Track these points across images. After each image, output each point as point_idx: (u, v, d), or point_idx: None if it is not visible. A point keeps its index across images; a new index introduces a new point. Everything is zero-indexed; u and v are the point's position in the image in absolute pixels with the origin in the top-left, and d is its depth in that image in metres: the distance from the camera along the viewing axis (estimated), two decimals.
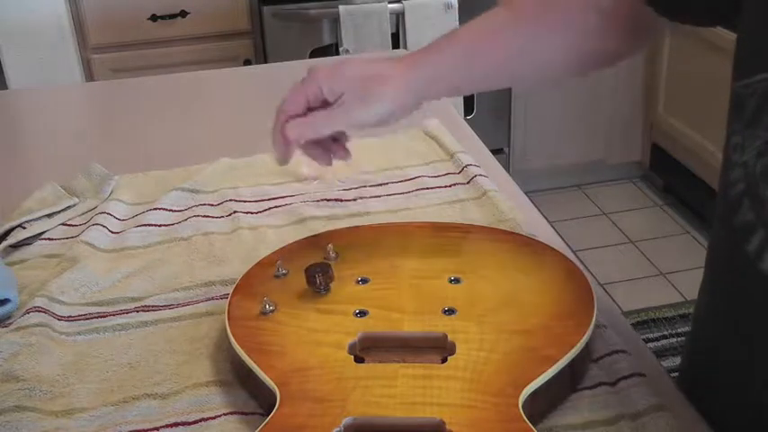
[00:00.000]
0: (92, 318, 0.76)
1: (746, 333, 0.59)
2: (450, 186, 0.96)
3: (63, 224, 0.92)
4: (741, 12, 0.59)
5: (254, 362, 0.63)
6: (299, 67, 1.54)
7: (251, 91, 1.33)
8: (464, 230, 0.83)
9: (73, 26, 2.23)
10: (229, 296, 0.72)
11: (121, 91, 1.40)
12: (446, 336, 0.65)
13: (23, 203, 0.95)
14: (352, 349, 0.64)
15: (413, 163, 1.02)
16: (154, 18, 2.26)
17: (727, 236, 0.59)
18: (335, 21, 2.26)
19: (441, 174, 0.99)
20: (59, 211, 0.94)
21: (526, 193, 0.98)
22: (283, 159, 0.74)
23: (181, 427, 0.63)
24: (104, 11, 2.23)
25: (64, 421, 0.63)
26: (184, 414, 0.64)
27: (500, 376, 0.60)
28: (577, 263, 0.74)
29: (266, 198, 0.95)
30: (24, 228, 0.90)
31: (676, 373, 0.72)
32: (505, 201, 0.91)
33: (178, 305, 0.77)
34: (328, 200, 0.94)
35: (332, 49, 2.31)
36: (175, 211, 0.93)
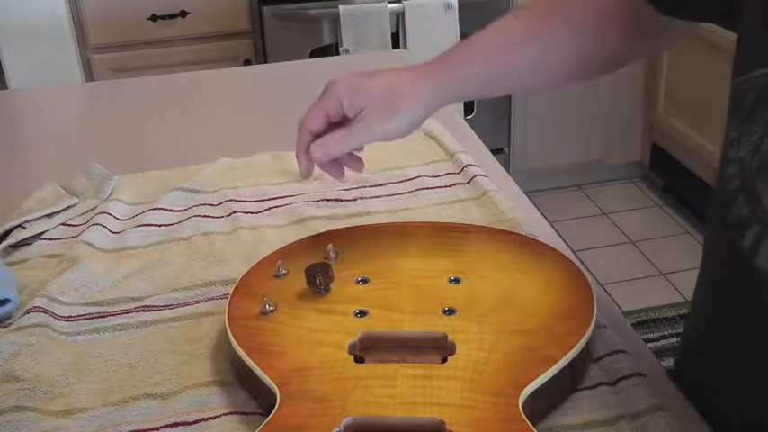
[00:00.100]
0: (92, 318, 0.76)
1: (741, 328, 0.59)
2: (450, 186, 0.96)
3: (63, 224, 0.92)
4: (741, 10, 0.59)
5: (254, 362, 0.63)
6: (299, 67, 1.54)
7: (251, 91, 1.33)
8: (464, 230, 0.83)
9: (73, 26, 2.23)
10: (229, 296, 0.72)
11: (121, 91, 1.40)
12: (446, 336, 0.65)
13: (23, 203, 0.95)
14: (352, 349, 0.64)
15: (413, 163, 1.02)
16: (154, 18, 2.26)
17: (722, 231, 0.59)
18: (335, 21, 2.26)
19: (441, 174, 0.99)
20: (59, 211, 0.94)
21: (526, 193, 0.98)
22: (308, 174, 0.76)
23: (181, 427, 0.63)
24: (104, 11, 2.23)
25: (64, 421, 0.63)
26: (184, 414, 0.64)
27: (500, 376, 0.60)
28: (577, 263, 0.74)
29: (266, 198, 0.96)
30: (24, 228, 0.90)
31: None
32: (505, 201, 0.91)
33: (178, 305, 0.77)
34: (328, 200, 0.94)
35: (332, 49, 2.31)
36: (175, 211, 0.93)
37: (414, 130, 0.76)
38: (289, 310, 0.69)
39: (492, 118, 2.55)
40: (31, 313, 0.74)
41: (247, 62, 2.34)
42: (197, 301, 0.77)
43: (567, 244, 0.90)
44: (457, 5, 2.27)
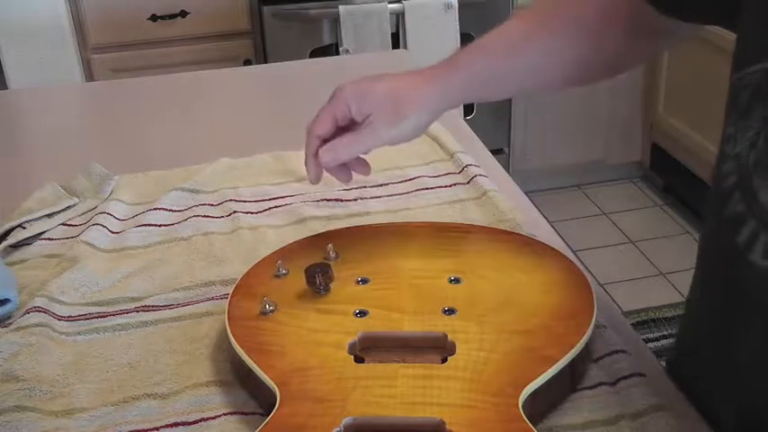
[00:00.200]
0: (92, 318, 0.76)
1: (736, 324, 0.59)
2: (450, 186, 0.96)
3: (63, 224, 0.92)
4: (742, 10, 0.59)
5: (254, 362, 0.63)
6: (299, 67, 1.54)
7: (251, 91, 1.33)
8: (464, 230, 0.83)
9: (73, 26, 2.23)
10: (229, 296, 0.72)
11: (121, 91, 1.40)
12: (446, 336, 0.65)
13: (23, 203, 0.95)
14: (352, 349, 0.64)
15: (413, 163, 1.02)
16: (154, 18, 2.26)
17: (718, 227, 0.59)
18: (335, 21, 2.26)
19: (441, 174, 0.99)
20: (59, 211, 0.94)
21: (526, 193, 0.98)
22: (317, 179, 0.77)
23: (181, 427, 0.63)
24: (104, 11, 2.23)
25: (64, 421, 0.63)
26: (184, 414, 0.64)
27: (500, 376, 0.60)
28: (577, 263, 0.74)
29: (266, 198, 0.96)
30: (24, 228, 0.90)
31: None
32: (505, 201, 0.91)
33: (178, 305, 0.77)
34: (328, 200, 0.94)
35: (332, 49, 2.31)
36: (175, 211, 0.93)
37: (420, 134, 0.77)
38: (289, 310, 0.69)
39: (492, 118, 2.55)
40: (31, 313, 0.74)
41: (247, 62, 2.34)
42: (197, 301, 0.77)
43: (567, 244, 0.90)
44: (457, 5, 2.27)
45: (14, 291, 0.77)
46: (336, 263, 0.75)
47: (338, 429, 0.56)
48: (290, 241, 0.81)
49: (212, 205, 0.95)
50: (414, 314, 0.68)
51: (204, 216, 0.92)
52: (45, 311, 0.75)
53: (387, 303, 0.69)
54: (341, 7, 2.23)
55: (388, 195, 0.95)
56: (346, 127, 0.75)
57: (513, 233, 0.82)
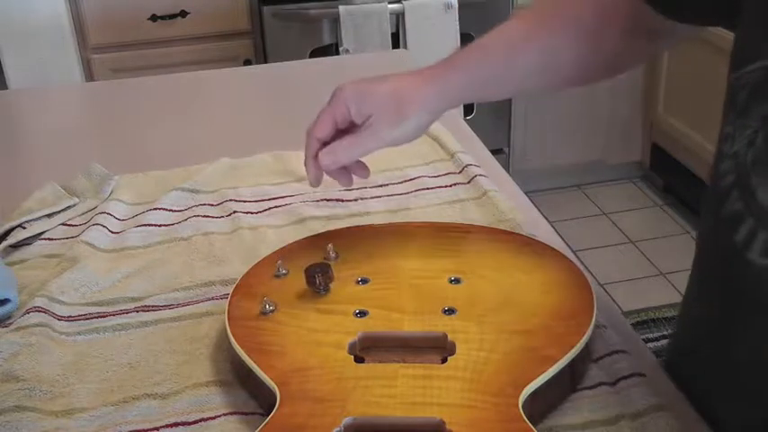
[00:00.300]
0: (92, 318, 0.76)
1: (734, 323, 0.59)
2: (450, 186, 0.96)
3: (63, 224, 0.92)
4: (741, 10, 0.59)
5: (254, 362, 0.63)
6: (299, 67, 1.54)
7: (251, 91, 1.33)
8: (464, 230, 0.83)
9: (73, 26, 2.23)
10: (229, 296, 0.72)
11: (121, 91, 1.40)
12: (446, 336, 0.65)
13: (23, 203, 0.95)
14: (352, 349, 0.64)
15: (413, 163, 1.02)
16: (154, 18, 2.26)
17: (716, 226, 0.59)
18: (335, 21, 2.26)
19: (441, 174, 0.99)
20: (59, 211, 0.94)
21: (526, 193, 0.98)
22: (317, 182, 0.77)
23: (181, 427, 0.63)
24: (104, 11, 2.23)
25: (64, 421, 0.63)
26: (184, 414, 0.64)
27: (500, 376, 0.60)
28: (577, 263, 0.74)
29: (266, 198, 0.96)
30: (24, 228, 0.90)
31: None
32: (505, 201, 0.91)
33: (178, 305, 0.77)
34: (328, 200, 0.94)
35: (332, 49, 2.31)
36: (175, 211, 0.93)
37: (420, 134, 0.76)
38: (289, 310, 0.69)
39: (492, 118, 2.55)
40: (31, 313, 0.74)
41: (247, 62, 2.33)
42: (197, 301, 0.77)
43: (567, 244, 0.90)
44: (457, 5, 2.27)
45: (14, 291, 0.77)
46: (336, 263, 0.75)
47: (338, 429, 0.56)
48: (290, 241, 0.81)
49: (212, 205, 0.95)
50: (414, 314, 0.68)
51: (204, 216, 0.92)
52: (45, 311, 0.75)
53: (387, 303, 0.69)
54: (341, 7, 2.23)
55: (388, 195, 0.95)
56: (346, 129, 0.75)
57: (513, 233, 0.82)
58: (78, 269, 0.81)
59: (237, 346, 0.65)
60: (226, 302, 0.71)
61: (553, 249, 0.77)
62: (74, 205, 0.95)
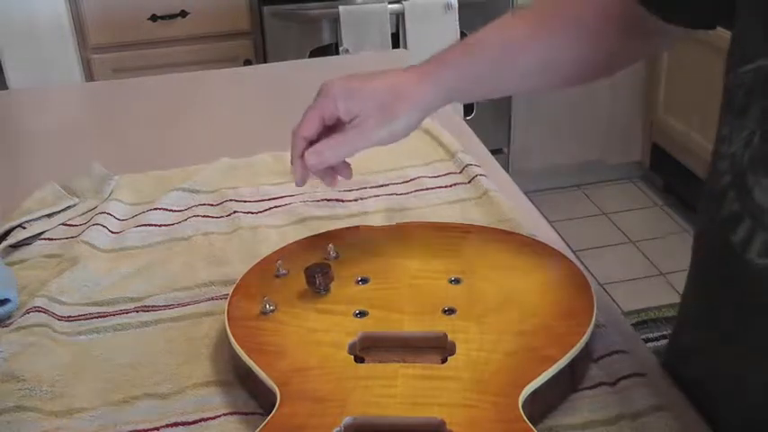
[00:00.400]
0: (92, 318, 0.76)
1: (734, 323, 0.59)
2: (450, 186, 0.96)
3: (63, 224, 0.92)
4: (736, 12, 0.59)
5: (254, 362, 0.63)
6: (299, 67, 1.54)
7: (251, 91, 1.33)
8: (464, 230, 0.83)
9: (73, 26, 2.23)
10: (229, 296, 0.72)
11: (121, 91, 1.40)
12: (446, 336, 0.65)
13: (23, 203, 0.95)
14: (352, 349, 0.64)
15: (413, 163, 1.02)
16: (154, 18, 2.26)
17: (713, 227, 0.59)
18: (335, 21, 2.26)
19: (441, 174, 0.99)
20: (59, 211, 0.94)
21: (526, 193, 0.98)
22: (302, 182, 0.75)
23: (181, 427, 0.63)
24: (104, 11, 2.23)
25: (64, 421, 0.63)
26: (184, 414, 0.64)
27: (500, 376, 0.60)
28: (577, 263, 0.74)
29: (266, 198, 0.95)
30: (24, 228, 0.90)
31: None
32: (505, 201, 0.91)
33: (178, 305, 0.77)
34: (328, 200, 0.94)
35: (332, 49, 2.31)
36: (175, 211, 0.93)
37: (411, 132, 0.74)
38: (289, 310, 0.69)
39: (492, 118, 2.55)
40: (31, 313, 0.74)
41: (247, 62, 2.34)
42: (197, 301, 0.77)
43: (567, 244, 0.90)
44: (457, 5, 2.27)
45: (14, 291, 0.77)
46: (336, 263, 0.75)
47: (338, 429, 0.56)
48: (290, 241, 0.81)
49: (212, 205, 0.95)
50: (414, 314, 0.68)
51: (204, 216, 0.92)
52: (45, 311, 0.75)
53: (387, 303, 0.69)
54: (341, 7, 2.23)
55: (388, 195, 0.95)
56: (333, 127, 0.74)
57: (513, 233, 0.82)
58: (78, 269, 0.81)
59: (237, 346, 0.65)
60: (226, 302, 0.71)
61: (553, 249, 0.77)
62: (74, 205, 0.95)
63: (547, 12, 0.77)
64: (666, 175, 2.74)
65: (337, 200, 0.94)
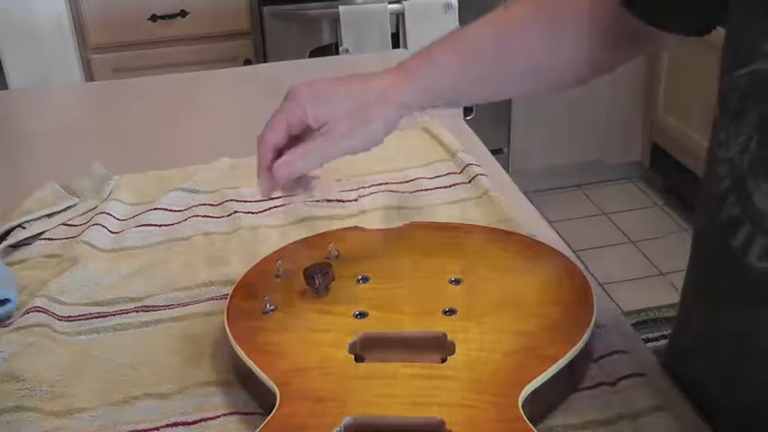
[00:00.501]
0: (92, 318, 0.76)
1: (734, 323, 0.59)
2: (450, 186, 0.96)
3: (63, 224, 0.92)
4: (727, 15, 0.59)
5: (254, 362, 0.63)
6: (299, 67, 1.54)
7: (251, 91, 1.33)
8: (464, 230, 0.83)
9: (73, 26, 2.23)
10: (229, 296, 0.72)
11: (121, 91, 1.40)
12: (446, 336, 0.65)
13: (23, 203, 0.95)
14: (352, 349, 0.64)
15: (413, 163, 1.02)
16: (154, 18, 2.26)
17: (713, 230, 0.59)
18: (335, 21, 2.26)
19: (441, 174, 0.99)
20: (59, 211, 0.94)
21: (526, 194, 0.98)
22: (268, 194, 0.70)
23: (181, 427, 0.63)
24: (104, 11, 2.23)
25: (64, 421, 0.63)
26: (184, 414, 0.64)
27: (500, 376, 0.60)
28: (577, 263, 0.74)
29: (266, 198, 0.95)
30: (24, 228, 0.90)
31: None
32: (505, 201, 0.91)
33: (178, 305, 0.77)
34: (328, 200, 0.94)
35: (332, 49, 2.31)
36: (175, 211, 0.93)
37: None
38: (289, 310, 0.69)
39: (492, 118, 2.55)
40: (31, 313, 0.74)
41: (247, 62, 2.34)
42: (197, 301, 0.77)
43: (567, 244, 0.90)
44: (457, 5, 2.27)
45: (14, 291, 0.77)
46: (336, 262, 0.75)
47: (338, 429, 0.56)
48: (290, 241, 0.81)
49: (212, 205, 0.95)
50: (414, 314, 0.68)
51: (204, 216, 0.92)
52: (45, 311, 0.75)
53: (387, 303, 0.69)
54: (341, 7, 2.23)
55: (388, 195, 0.95)
56: (299, 134, 0.69)
57: (513, 233, 0.82)
58: (78, 269, 0.81)
59: (237, 346, 0.65)
60: (226, 302, 0.71)
61: (553, 249, 0.77)
62: (74, 205, 0.95)
63: (543, 12, 0.74)
64: (666, 175, 2.74)
65: (337, 200, 0.94)
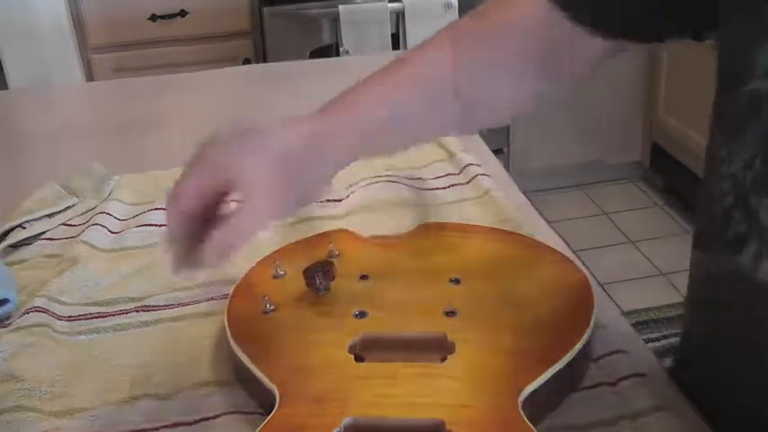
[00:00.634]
0: (92, 318, 0.76)
1: (733, 323, 0.59)
2: (450, 187, 0.96)
3: (63, 224, 0.92)
4: (719, 26, 0.58)
5: (254, 362, 0.63)
6: (299, 67, 1.54)
7: (251, 91, 1.33)
8: (464, 230, 0.83)
9: (73, 26, 2.23)
10: (229, 296, 0.72)
11: (121, 91, 1.40)
12: (446, 336, 0.65)
13: (23, 203, 0.95)
14: (352, 349, 0.64)
15: (413, 164, 1.02)
16: (154, 18, 2.26)
17: (719, 249, 0.58)
18: (335, 21, 2.26)
19: (441, 174, 0.99)
20: (59, 211, 0.94)
21: (526, 194, 0.98)
22: (179, 272, 0.61)
23: (181, 427, 0.63)
24: (104, 11, 2.24)
25: (64, 421, 0.63)
26: (184, 414, 0.64)
27: (499, 376, 0.60)
28: (577, 263, 0.74)
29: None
30: (24, 228, 0.90)
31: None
32: (505, 201, 0.91)
33: (178, 305, 0.77)
34: (328, 200, 0.94)
35: (332, 49, 2.31)
36: None
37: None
38: (289, 310, 0.69)
39: None
40: (30, 313, 0.74)
41: (247, 62, 2.34)
42: (197, 301, 0.77)
43: (567, 244, 0.89)
44: (457, 5, 2.28)
45: (14, 291, 0.77)
46: (336, 262, 0.74)
47: (338, 429, 0.56)
48: (290, 241, 0.81)
49: None
50: (413, 315, 0.68)
51: None
52: (45, 311, 0.75)
53: (387, 304, 0.69)
54: (341, 7, 2.23)
55: (388, 194, 0.95)
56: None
57: (513, 233, 0.82)
58: (78, 269, 0.81)
59: (237, 347, 0.65)
60: (226, 302, 0.71)
61: (553, 249, 0.77)
62: (74, 205, 0.95)
63: (485, 45, 0.67)
64: (666, 175, 2.74)
65: (337, 200, 0.94)
